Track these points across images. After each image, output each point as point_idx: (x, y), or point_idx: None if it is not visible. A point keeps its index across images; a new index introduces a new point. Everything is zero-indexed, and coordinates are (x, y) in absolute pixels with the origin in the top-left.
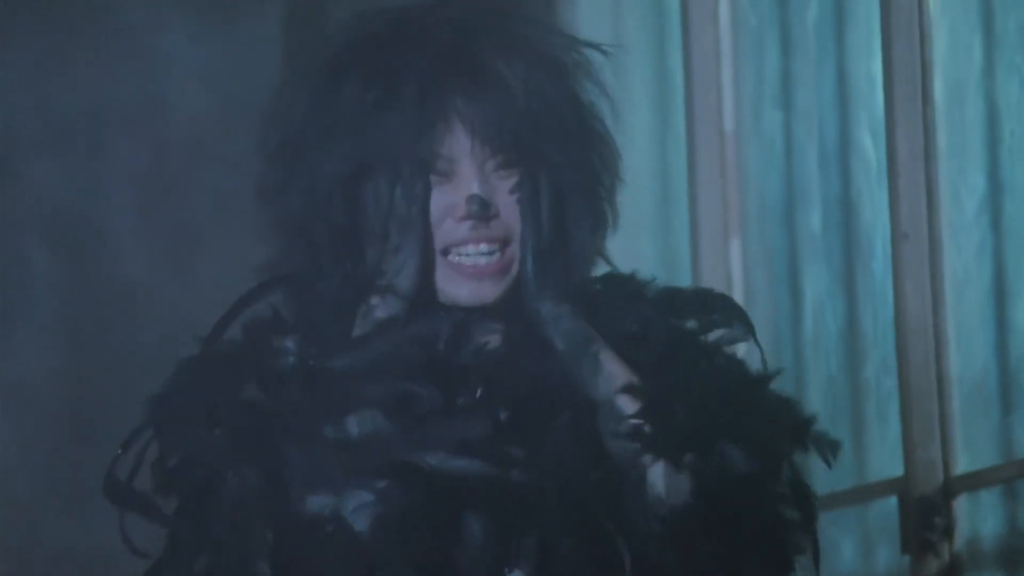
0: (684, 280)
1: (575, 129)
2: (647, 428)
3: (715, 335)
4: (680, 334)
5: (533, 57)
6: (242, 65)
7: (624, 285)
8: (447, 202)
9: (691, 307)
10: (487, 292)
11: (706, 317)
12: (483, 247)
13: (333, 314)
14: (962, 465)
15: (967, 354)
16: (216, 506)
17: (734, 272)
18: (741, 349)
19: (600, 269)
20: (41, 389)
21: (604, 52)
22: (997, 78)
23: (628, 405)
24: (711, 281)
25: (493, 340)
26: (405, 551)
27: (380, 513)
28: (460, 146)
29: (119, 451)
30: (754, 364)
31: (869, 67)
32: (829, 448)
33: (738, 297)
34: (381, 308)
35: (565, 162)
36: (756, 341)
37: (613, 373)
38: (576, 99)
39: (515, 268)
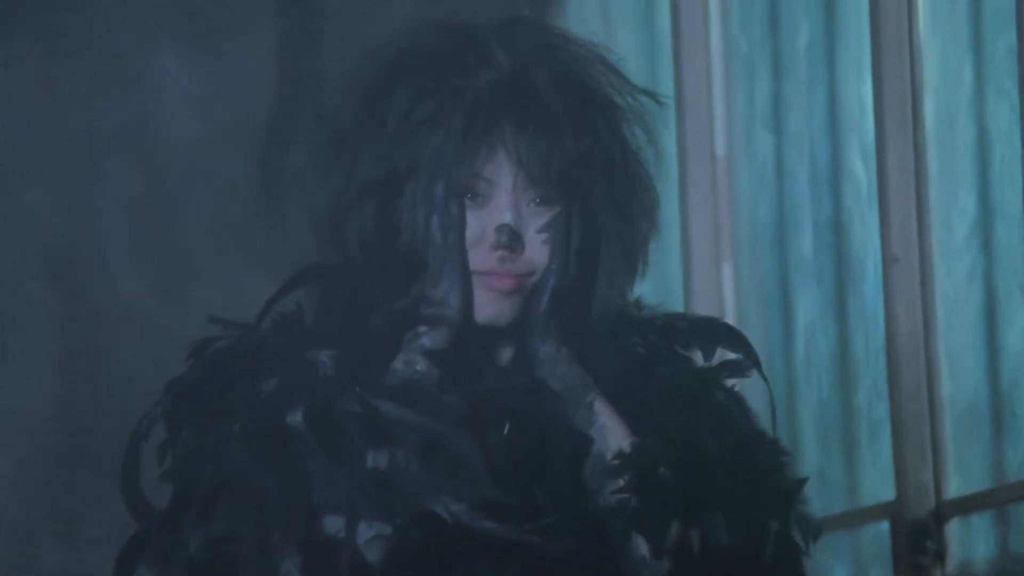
0: (676, 304)
1: (619, 173)
2: (633, 501)
3: (717, 367)
4: (682, 369)
5: (588, 95)
6: (235, 90)
7: (631, 313)
8: (480, 226)
9: (695, 336)
10: (500, 309)
11: (711, 346)
12: (508, 280)
13: (375, 340)
14: (954, 489)
15: (958, 377)
16: (223, 501)
17: (726, 296)
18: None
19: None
20: (35, 414)
21: (659, 102)
22: (987, 102)
23: (616, 471)
24: (703, 305)
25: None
26: None
27: (395, 548)
28: (502, 174)
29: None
30: (757, 397)
31: (860, 91)
32: (810, 530)
33: (730, 321)
34: (428, 338)
35: (605, 205)
36: (762, 374)
37: (606, 426)
38: (624, 143)
39: (526, 293)
